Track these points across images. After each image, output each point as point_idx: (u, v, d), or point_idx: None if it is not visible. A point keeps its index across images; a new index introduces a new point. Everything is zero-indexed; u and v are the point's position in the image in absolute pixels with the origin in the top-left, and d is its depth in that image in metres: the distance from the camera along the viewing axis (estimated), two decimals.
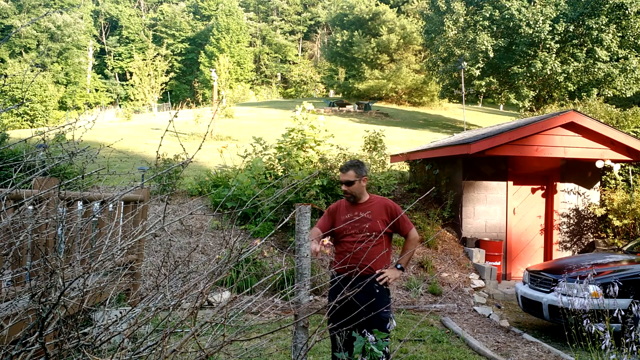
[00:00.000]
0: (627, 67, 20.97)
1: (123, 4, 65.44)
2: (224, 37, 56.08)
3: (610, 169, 8.98)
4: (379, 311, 3.26)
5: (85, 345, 1.62)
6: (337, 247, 3.71)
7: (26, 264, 3.06)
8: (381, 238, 3.51)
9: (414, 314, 6.78)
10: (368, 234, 3.51)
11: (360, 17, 41.22)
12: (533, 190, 9.27)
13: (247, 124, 24.19)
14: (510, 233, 9.03)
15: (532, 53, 22.06)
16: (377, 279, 3.45)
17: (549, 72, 21.29)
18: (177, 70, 59.92)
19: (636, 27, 21.19)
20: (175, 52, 60.22)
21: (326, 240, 7.90)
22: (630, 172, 9.46)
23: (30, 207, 2.53)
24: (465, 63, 21.95)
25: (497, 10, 22.60)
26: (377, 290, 3.44)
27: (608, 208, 9.01)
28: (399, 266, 3.64)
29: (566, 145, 8.48)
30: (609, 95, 21.51)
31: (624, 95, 22.05)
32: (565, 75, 21.36)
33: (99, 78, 60.08)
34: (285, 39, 65.87)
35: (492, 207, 9.04)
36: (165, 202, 1.87)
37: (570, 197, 9.27)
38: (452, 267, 8.34)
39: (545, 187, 9.30)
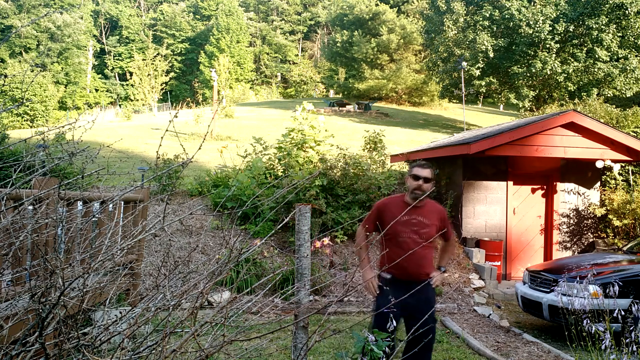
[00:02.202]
0: (627, 67, 20.96)
1: (123, 4, 65.43)
2: (224, 37, 56.07)
3: (610, 169, 8.98)
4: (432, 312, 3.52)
5: (85, 345, 1.62)
6: (389, 247, 3.50)
7: (26, 264, 3.06)
8: (433, 242, 3.62)
9: None
10: (425, 239, 3.52)
11: (360, 17, 41.21)
12: (533, 190, 9.27)
13: (247, 124, 24.18)
14: (510, 233, 9.03)
15: (532, 53, 22.06)
16: (432, 283, 3.57)
17: (549, 72, 21.29)
18: (177, 70, 59.92)
19: (636, 27, 21.19)
20: (175, 52, 60.21)
21: (326, 240, 7.91)
22: (630, 172, 9.46)
23: (30, 207, 2.53)
24: (465, 63, 21.95)
25: (497, 10, 22.60)
26: (432, 294, 3.62)
27: (608, 208, 9.01)
28: (442, 269, 3.75)
29: (566, 145, 8.47)
30: (609, 95, 21.51)
31: (624, 95, 22.04)
32: (565, 75, 21.36)
33: (99, 78, 60.06)
34: (285, 39, 65.86)
35: (492, 207, 9.04)
36: (165, 202, 1.87)
37: (570, 197, 9.26)
38: (452, 267, 8.33)
39: (545, 187, 9.29)
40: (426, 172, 3.54)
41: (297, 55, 66.17)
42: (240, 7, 63.33)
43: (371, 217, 3.66)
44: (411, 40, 38.20)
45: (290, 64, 63.38)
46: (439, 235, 3.64)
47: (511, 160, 9.01)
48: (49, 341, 1.62)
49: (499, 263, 8.59)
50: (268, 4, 68.71)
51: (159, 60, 38.81)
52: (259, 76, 62.87)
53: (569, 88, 21.84)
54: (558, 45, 21.71)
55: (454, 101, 35.83)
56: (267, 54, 64.26)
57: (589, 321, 3.38)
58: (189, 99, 45.59)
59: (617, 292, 3.47)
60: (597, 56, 21.04)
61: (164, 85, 43.48)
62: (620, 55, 21.47)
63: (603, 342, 3.15)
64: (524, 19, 21.43)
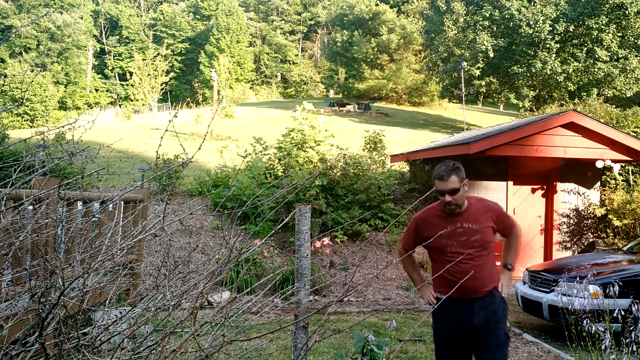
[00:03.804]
0: (627, 67, 20.97)
1: (123, 4, 65.44)
2: (224, 37, 56.09)
3: (610, 169, 8.98)
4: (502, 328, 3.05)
5: (85, 345, 1.62)
6: (438, 265, 3.09)
7: (26, 264, 3.06)
8: (490, 248, 3.18)
9: (414, 314, 6.78)
10: (480, 247, 3.09)
11: (360, 17, 41.23)
12: (533, 190, 9.26)
13: (247, 124, 24.19)
14: None
15: (532, 53, 22.06)
16: (498, 293, 3.16)
17: (549, 72, 21.30)
18: (177, 70, 59.93)
19: (636, 27, 21.20)
20: (175, 52, 60.23)
21: (326, 240, 7.91)
22: (630, 172, 9.46)
23: (30, 207, 2.53)
24: (465, 63, 21.95)
25: (497, 10, 22.60)
26: (500, 307, 3.12)
27: (608, 208, 9.01)
28: (509, 266, 3.35)
29: (566, 145, 8.47)
30: (609, 95, 21.52)
31: (624, 95, 22.05)
32: (565, 75, 21.37)
33: (99, 78, 60.09)
34: (285, 39, 65.87)
35: None
36: (165, 202, 1.87)
37: (570, 197, 9.26)
38: None
39: (545, 187, 9.29)
40: (450, 184, 2.98)
41: (297, 55, 66.18)
42: (240, 7, 63.34)
43: (409, 234, 3.21)
44: (411, 40, 38.21)
45: (290, 64, 63.39)
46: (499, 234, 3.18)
47: (511, 160, 9.00)
48: (49, 341, 1.62)
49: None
50: (268, 4, 68.71)
51: (159, 60, 38.88)
52: (259, 76, 62.89)
53: (569, 88, 21.85)
54: (558, 45, 21.71)
55: (454, 101, 35.84)
56: (267, 54, 64.27)
57: (589, 321, 3.38)
58: (189, 99, 45.60)
59: (617, 292, 3.47)
60: (597, 56, 21.05)
61: (164, 85, 43.52)
62: (620, 55, 21.47)
63: (603, 342, 3.15)
64: (524, 19, 21.44)
